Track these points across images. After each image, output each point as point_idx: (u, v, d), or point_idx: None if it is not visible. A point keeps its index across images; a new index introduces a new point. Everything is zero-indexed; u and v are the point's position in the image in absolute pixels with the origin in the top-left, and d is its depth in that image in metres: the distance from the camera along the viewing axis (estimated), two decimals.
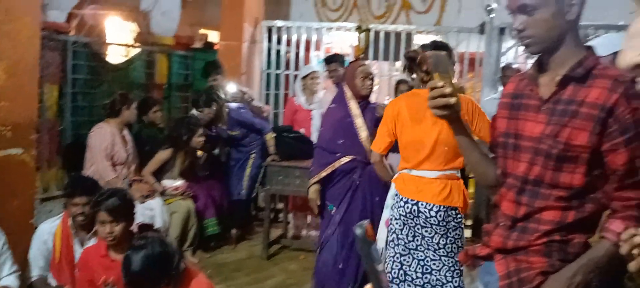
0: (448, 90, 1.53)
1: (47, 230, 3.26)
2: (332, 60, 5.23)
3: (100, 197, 2.95)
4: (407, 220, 2.92)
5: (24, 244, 3.26)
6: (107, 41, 6.12)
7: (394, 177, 3.08)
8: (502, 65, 5.64)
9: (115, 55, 6.05)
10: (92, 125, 4.74)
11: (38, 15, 3.69)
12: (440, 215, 2.85)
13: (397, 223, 2.97)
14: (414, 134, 2.94)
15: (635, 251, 1.30)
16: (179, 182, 4.73)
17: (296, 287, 4.30)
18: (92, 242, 3.12)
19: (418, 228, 2.90)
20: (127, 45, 6.26)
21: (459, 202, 2.90)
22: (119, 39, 6.33)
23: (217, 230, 4.93)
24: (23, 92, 3.53)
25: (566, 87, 1.57)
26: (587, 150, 1.53)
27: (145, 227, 2.87)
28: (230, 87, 5.60)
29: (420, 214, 2.87)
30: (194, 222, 4.68)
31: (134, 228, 2.96)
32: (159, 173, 4.72)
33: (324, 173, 3.63)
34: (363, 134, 3.59)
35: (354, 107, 3.62)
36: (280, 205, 5.74)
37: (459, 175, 2.99)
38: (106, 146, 4.41)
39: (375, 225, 3.79)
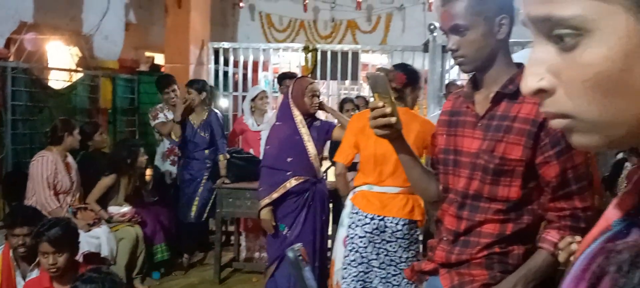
0: (388, 110, 1.57)
1: None
2: (286, 77, 5.25)
3: (42, 227, 2.87)
4: (372, 237, 2.93)
5: None
6: (48, 66, 5.96)
7: (352, 194, 3.09)
8: (446, 82, 5.81)
9: (57, 81, 5.89)
10: (33, 152, 4.58)
11: None
12: (405, 229, 2.92)
13: (361, 241, 2.96)
14: (377, 149, 2.95)
15: (572, 258, 1.37)
16: (126, 208, 4.62)
17: None
18: (34, 274, 3.02)
19: (383, 244, 2.93)
20: (69, 70, 6.11)
21: (419, 216, 3.00)
22: (61, 64, 6.17)
23: (166, 256, 4.84)
24: None
25: (499, 103, 1.64)
26: (521, 163, 1.60)
27: (91, 256, 2.81)
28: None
29: (386, 229, 2.91)
30: (143, 249, 4.58)
31: (80, 257, 2.88)
32: (104, 200, 4.61)
33: (275, 195, 3.57)
34: (312, 151, 3.60)
35: (301, 124, 3.61)
36: (231, 228, 5.69)
37: None
38: (48, 175, 4.27)
39: (324, 243, 3.81)
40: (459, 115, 1.74)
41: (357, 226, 2.99)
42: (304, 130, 3.61)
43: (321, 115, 4.04)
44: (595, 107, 0.53)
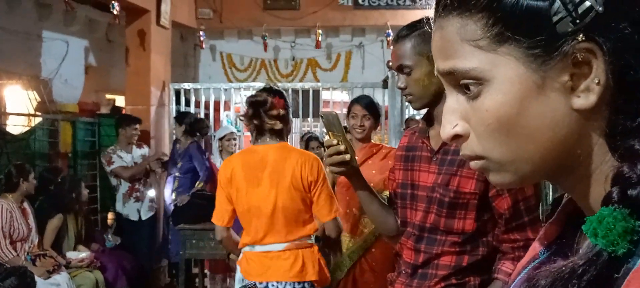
0: (342, 147, 1.62)
1: None
2: None
3: None
4: None
5: None
6: (6, 111, 5.86)
7: (239, 258, 2.63)
8: (406, 117, 5.93)
9: (15, 126, 5.79)
10: None
11: None
12: None
13: None
14: (250, 200, 2.51)
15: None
16: (84, 254, 4.54)
17: None
18: None
19: None
20: (28, 115, 6.02)
21: (314, 275, 2.50)
22: (19, 109, 6.07)
23: None
24: None
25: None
26: (475, 196, 1.66)
27: None
28: None
29: None
30: None
31: None
32: (58, 244, 4.52)
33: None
34: None
35: None
36: (195, 270, 5.62)
37: (311, 241, 2.60)
38: (3, 224, 4.15)
39: None
40: (415, 150, 1.80)
41: None
42: None
43: None
44: (500, 148, 0.58)
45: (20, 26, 6.06)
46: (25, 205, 4.43)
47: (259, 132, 2.57)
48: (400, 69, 1.69)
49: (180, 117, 5.61)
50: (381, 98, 6.27)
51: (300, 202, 2.52)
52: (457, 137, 0.62)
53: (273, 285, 2.45)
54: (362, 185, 1.79)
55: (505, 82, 0.56)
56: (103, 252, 4.86)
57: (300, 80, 7.67)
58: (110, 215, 5.66)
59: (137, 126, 5.54)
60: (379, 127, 3.44)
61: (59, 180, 4.91)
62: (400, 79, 1.70)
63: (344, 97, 7.60)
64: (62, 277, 4.19)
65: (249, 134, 5.27)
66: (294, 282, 2.46)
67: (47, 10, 6.44)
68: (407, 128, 5.47)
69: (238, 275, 2.54)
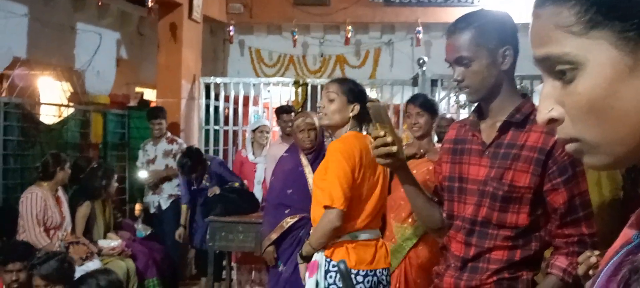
0: (389, 138, 1.60)
1: None
2: (283, 111, 5.22)
3: (36, 260, 2.85)
4: None
5: None
6: (40, 101, 5.95)
7: (328, 248, 2.44)
8: None
9: (48, 116, 5.88)
10: (24, 188, 4.53)
11: None
12: (388, 279, 2.56)
13: None
14: (370, 187, 2.49)
15: (591, 271, 1.41)
16: (115, 242, 4.59)
17: None
18: None
19: None
20: (61, 105, 6.11)
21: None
22: (53, 100, 6.17)
23: None
24: None
25: (507, 132, 1.68)
26: (529, 191, 1.63)
27: None
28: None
29: (378, 284, 2.47)
30: (135, 282, 4.52)
31: None
32: (89, 233, 4.57)
33: (274, 236, 3.53)
34: (311, 182, 3.59)
35: (304, 159, 3.59)
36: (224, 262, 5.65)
37: None
38: (38, 212, 4.20)
39: None
40: (464, 143, 1.78)
41: None
42: (305, 163, 3.58)
43: None
44: (594, 130, 0.61)
45: (55, 18, 6.16)
46: (60, 193, 4.48)
47: (359, 121, 2.56)
48: (458, 60, 1.67)
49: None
50: (410, 96, 6.23)
51: (385, 189, 2.59)
52: (552, 121, 0.65)
53: (380, 272, 2.47)
54: (408, 179, 1.78)
55: (598, 66, 0.59)
56: (134, 241, 4.91)
57: (328, 77, 7.66)
58: (137, 206, 5.73)
59: (159, 119, 5.55)
60: (434, 121, 3.48)
61: (91, 168, 4.96)
62: (457, 71, 1.69)
63: (372, 94, 7.58)
64: (94, 264, 4.23)
65: (276, 129, 5.24)
66: (388, 268, 2.54)
67: (81, 3, 6.53)
68: (436, 126, 5.48)
69: (326, 266, 2.41)
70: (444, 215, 1.82)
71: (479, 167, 1.72)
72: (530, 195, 1.64)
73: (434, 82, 6.01)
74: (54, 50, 5.99)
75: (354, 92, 2.54)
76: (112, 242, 4.62)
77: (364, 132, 2.62)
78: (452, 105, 6.28)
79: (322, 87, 6.48)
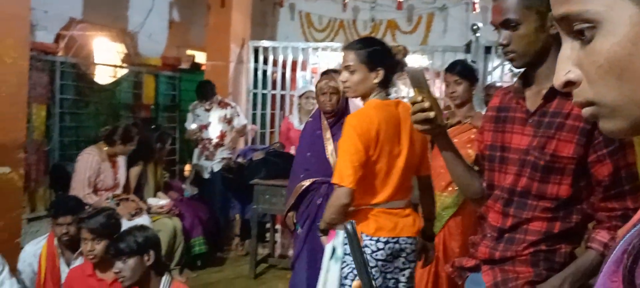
0: (427, 104, 1.55)
1: (32, 252, 3.24)
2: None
3: (84, 215, 2.95)
4: (385, 265, 2.42)
5: (11, 265, 3.22)
6: (94, 62, 6.12)
7: (348, 214, 2.41)
8: (485, 84, 5.72)
9: (102, 76, 6.04)
10: (79, 145, 4.70)
11: (25, 36, 3.69)
12: (415, 246, 2.52)
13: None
14: (392, 160, 2.42)
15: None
16: (164, 201, 4.72)
17: None
18: (78, 262, 3.10)
19: (395, 272, 2.47)
20: (115, 66, 6.26)
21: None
22: (107, 60, 6.33)
23: (204, 249, 4.91)
24: (10, 112, 3.52)
25: (552, 100, 1.60)
26: (573, 161, 1.56)
27: None
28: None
29: (401, 252, 2.45)
30: (181, 241, 4.66)
31: None
32: (139, 192, 4.71)
33: (291, 201, 3.53)
34: (329, 147, 3.47)
35: (324, 122, 3.51)
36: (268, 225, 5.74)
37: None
38: (90, 174, 4.27)
39: None
40: (507, 111, 1.71)
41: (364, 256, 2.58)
42: (324, 126, 3.49)
43: None
44: (612, 92, 0.59)
45: None
46: (118, 159, 4.53)
47: (385, 85, 2.43)
48: (505, 24, 1.59)
49: None
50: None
51: (413, 158, 2.48)
52: (569, 84, 0.63)
53: (403, 240, 2.44)
54: (447, 145, 1.73)
55: (617, 24, 0.57)
56: (181, 201, 5.04)
57: None
58: (187, 167, 5.86)
59: (210, 99, 5.60)
60: (474, 89, 3.37)
61: (148, 131, 5.08)
62: (503, 34, 1.61)
63: (423, 61, 7.42)
64: (143, 221, 4.35)
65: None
66: (415, 237, 2.48)
67: None
68: (486, 96, 5.32)
69: (342, 234, 2.39)
70: (484, 184, 1.77)
71: (521, 135, 1.65)
72: (573, 165, 1.56)
73: (487, 49, 5.82)
74: (109, 12, 6.11)
75: (374, 58, 2.36)
76: (160, 201, 4.76)
77: (394, 96, 2.50)
78: (506, 73, 6.08)
79: None
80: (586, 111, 0.63)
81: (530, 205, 1.62)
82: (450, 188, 3.16)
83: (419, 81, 1.59)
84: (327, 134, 3.47)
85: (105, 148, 4.41)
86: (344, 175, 2.30)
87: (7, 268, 3.01)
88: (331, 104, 3.44)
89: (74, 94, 5.29)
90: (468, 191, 1.85)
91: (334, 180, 2.34)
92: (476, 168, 1.84)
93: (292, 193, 3.52)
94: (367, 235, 2.36)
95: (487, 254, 1.70)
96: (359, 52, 2.35)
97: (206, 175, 5.60)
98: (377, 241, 2.36)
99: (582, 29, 0.60)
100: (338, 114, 3.50)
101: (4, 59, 3.45)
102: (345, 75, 2.40)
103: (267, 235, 5.64)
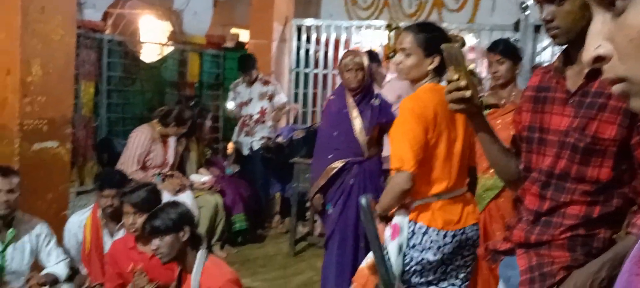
0: (463, 83, 1.50)
1: (77, 223, 3.36)
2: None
3: (127, 190, 3.03)
4: (451, 256, 2.34)
5: (58, 235, 3.35)
6: (140, 40, 6.24)
7: (411, 210, 2.32)
8: (533, 64, 5.54)
9: (148, 54, 6.16)
10: (125, 122, 4.82)
11: (72, 14, 3.78)
12: (477, 233, 2.43)
13: (429, 265, 2.31)
14: (451, 143, 2.33)
15: None
16: (206, 178, 4.79)
17: None
18: (121, 233, 3.19)
19: (459, 261, 2.39)
20: (160, 44, 6.37)
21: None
22: (152, 38, 6.44)
23: (245, 225, 4.98)
24: (58, 88, 3.63)
25: (594, 79, 1.53)
26: (615, 143, 1.49)
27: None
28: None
29: (467, 241, 2.37)
30: (222, 217, 4.73)
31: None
32: (182, 168, 4.80)
33: (321, 182, 3.51)
34: (357, 125, 3.44)
35: (350, 100, 3.48)
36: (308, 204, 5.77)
37: None
38: (141, 152, 4.33)
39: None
40: (547, 91, 1.64)
41: (428, 251, 2.38)
42: (351, 105, 3.47)
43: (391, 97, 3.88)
44: None
45: None
46: (170, 139, 4.61)
47: (439, 73, 2.34)
48: None
49: None
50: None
51: (468, 144, 2.40)
52: (599, 59, 0.60)
53: (469, 229, 2.36)
54: (483, 126, 1.67)
55: None
56: (223, 178, 5.11)
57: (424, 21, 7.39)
58: (229, 145, 5.92)
59: (250, 71, 5.61)
60: (518, 69, 3.27)
61: (188, 107, 5.15)
62: (546, 10, 1.54)
63: (470, 40, 7.24)
64: (186, 196, 4.44)
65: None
66: (477, 223, 2.41)
67: None
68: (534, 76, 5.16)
69: (410, 229, 2.29)
70: (521, 166, 1.71)
71: (561, 116, 1.58)
72: (614, 148, 1.49)
73: (537, 29, 5.63)
74: None
75: (432, 43, 2.26)
76: (203, 177, 4.84)
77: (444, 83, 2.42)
78: (556, 53, 5.87)
79: None
80: (616, 88, 0.60)
81: (568, 189, 1.56)
82: (491, 171, 3.09)
83: (456, 59, 1.55)
84: (354, 112, 3.45)
85: (159, 128, 4.50)
86: (404, 160, 2.21)
87: (54, 239, 3.13)
88: (357, 80, 3.40)
89: (121, 72, 5.42)
90: (504, 173, 1.79)
91: (393, 165, 2.25)
92: (513, 149, 1.78)
93: (322, 175, 3.49)
94: (434, 230, 2.27)
95: (522, 238, 1.65)
96: (417, 36, 2.27)
97: (245, 152, 5.66)
98: (445, 235, 2.28)
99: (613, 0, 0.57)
100: (363, 91, 3.47)
101: (51, 37, 3.55)
102: (399, 57, 2.34)
103: (307, 213, 5.67)
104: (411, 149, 2.21)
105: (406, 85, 2.58)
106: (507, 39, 3.45)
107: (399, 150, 2.25)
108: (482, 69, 5.83)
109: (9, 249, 2.87)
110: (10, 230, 2.86)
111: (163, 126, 4.48)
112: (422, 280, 2.33)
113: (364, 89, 3.48)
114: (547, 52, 5.90)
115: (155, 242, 2.52)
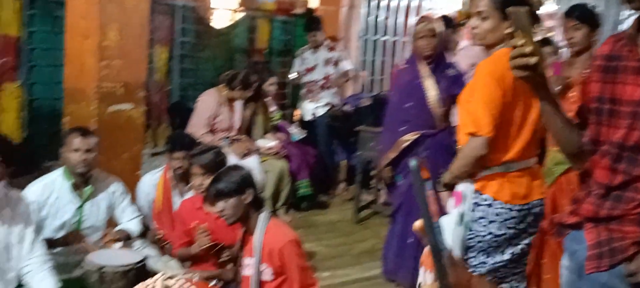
0: (528, 49, 1.43)
1: (149, 183, 3.52)
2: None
3: (196, 152, 3.13)
4: (516, 231, 2.27)
5: (132, 194, 3.50)
6: (211, 6, 6.34)
7: (478, 180, 2.27)
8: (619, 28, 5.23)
9: (219, 20, 6.25)
10: (197, 87, 4.93)
11: None
12: (542, 209, 2.34)
13: (494, 241, 2.26)
14: (526, 110, 2.24)
15: None
16: (272, 143, 4.87)
17: None
18: (189, 194, 3.31)
19: (522, 237, 2.31)
20: (231, 10, 6.45)
21: None
22: (223, 4, 6.53)
23: (309, 191, 5.05)
24: (133, 52, 3.76)
25: None
26: None
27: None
28: None
29: (530, 217, 2.29)
30: (288, 182, 4.81)
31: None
32: (249, 132, 4.89)
33: (392, 155, 3.44)
34: (432, 96, 3.32)
35: (423, 69, 3.36)
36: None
37: None
38: (209, 116, 4.49)
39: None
40: (619, 60, 1.55)
41: (494, 223, 2.33)
42: (425, 74, 3.34)
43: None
44: None
45: None
46: (236, 103, 4.75)
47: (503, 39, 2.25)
48: None
49: None
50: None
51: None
52: None
53: (536, 203, 2.29)
54: (546, 95, 1.58)
55: None
56: (289, 143, 5.17)
57: None
58: (296, 111, 5.98)
59: (314, 32, 5.60)
60: (595, 36, 3.09)
61: (249, 70, 5.21)
62: None
63: (551, 6, 6.89)
64: (253, 160, 4.54)
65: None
66: (542, 199, 2.33)
67: None
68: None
69: (473, 200, 2.25)
70: (586, 139, 1.62)
71: (635, 86, 1.49)
72: None
73: None
74: None
75: (509, 5, 2.16)
76: (269, 142, 4.92)
77: None
78: None
79: None
80: None
81: None
82: None
83: (522, 23, 1.47)
84: (429, 82, 3.34)
85: (225, 92, 4.61)
86: (482, 124, 2.16)
87: (128, 197, 3.29)
88: (431, 48, 3.29)
89: (193, 38, 5.54)
90: (566, 145, 1.69)
91: (469, 129, 2.21)
92: (576, 121, 1.69)
93: (393, 148, 3.43)
94: (500, 203, 2.21)
95: (591, 212, 1.58)
96: None
97: (308, 117, 5.69)
98: (511, 209, 2.22)
99: None
100: (437, 60, 3.35)
101: (127, 3, 3.67)
102: (475, 21, 2.27)
103: (372, 181, 5.67)
104: (489, 113, 2.16)
105: (480, 53, 2.50)
106: (585, 4, 3.25)
107: (474, 113, 2.19)
108: (562, 37, 5.56)
109: (87, 205, 3.04)
110: (88, 187, 3.03)
111: (229, 90, 4.60)
112: (486, 259, 2.27)
113: (438, 57, 3.36)
114: (632, 21, 5.54)
115: (220, 204, 2.59)
